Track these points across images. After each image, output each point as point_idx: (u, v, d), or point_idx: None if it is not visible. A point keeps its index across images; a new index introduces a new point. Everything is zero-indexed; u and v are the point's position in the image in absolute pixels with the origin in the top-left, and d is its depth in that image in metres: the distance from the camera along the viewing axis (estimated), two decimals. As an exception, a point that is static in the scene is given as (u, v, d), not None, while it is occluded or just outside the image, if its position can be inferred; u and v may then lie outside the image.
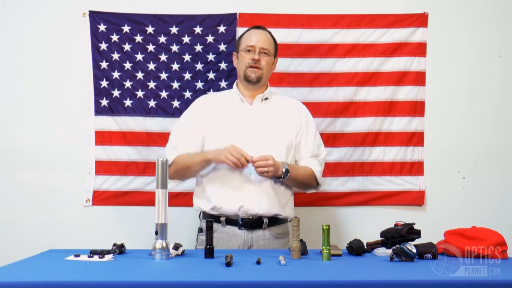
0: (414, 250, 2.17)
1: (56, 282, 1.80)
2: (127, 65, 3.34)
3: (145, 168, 3.33)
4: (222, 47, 3.36)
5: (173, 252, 2.26)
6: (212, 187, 2.74)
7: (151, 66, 3.35)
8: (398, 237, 2.33)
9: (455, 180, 3.40)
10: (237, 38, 3.09)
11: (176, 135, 2.87)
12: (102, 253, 2.24)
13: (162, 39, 3.35)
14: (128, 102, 3.34)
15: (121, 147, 3.33)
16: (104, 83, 3.34)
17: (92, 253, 2.24)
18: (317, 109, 3.26)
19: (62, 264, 2.12)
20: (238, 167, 2.64)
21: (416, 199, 3.38)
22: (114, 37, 3.34)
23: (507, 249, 2.26)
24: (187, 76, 3.35)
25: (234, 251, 2.32)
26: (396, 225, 2.41)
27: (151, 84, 3.35)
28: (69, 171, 3.31)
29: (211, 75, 3.36)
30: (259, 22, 3.06)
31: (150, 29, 3.35)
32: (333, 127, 3.37)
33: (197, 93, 3.30)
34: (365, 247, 2.37)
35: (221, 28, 3.35)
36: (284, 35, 3.32)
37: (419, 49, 3.39)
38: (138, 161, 3.33)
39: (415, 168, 3.39)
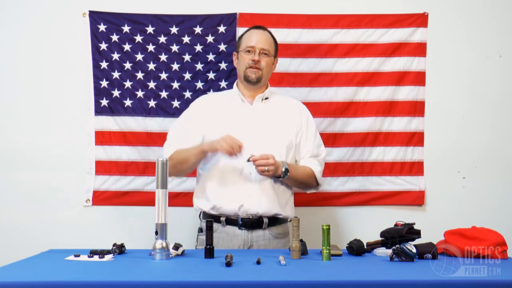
0: (414, 250, 2.17)
1: (56, 282, 1.80)
2: (127, 65, 3.34)
3: (145, 168, 3.32)
4: (222, 47, 3.36)
5: (173, 252, 2.26)
6: (212, 186, 2.74)
7: (151, 66, 3.35)
8: (398, 237, 2.33)
9: (455, 180, 3.40)
10: (237, 38, 3.09)
11: (175, 134, 2.86)
12: (102, 253, 2.23)
13: (162, 39, 3.34)
14: (128, 102, 3.34)
15: (121, 147, 3.33)
16: (104, 83, 3.34)
17: (92, 253, 2.24)
18: (317, 109, 3.26)
19: (62, 264, 2.12)
20: (231, 154, 2.63)
21: (416, 199, 3.38)
22: (114, 37, 3.34)
23: (507, 249, 2.26)
24: (187, 76, 3.35)
25: (234, 251, 2.32)
26: (396, 225, 2.41)
27: (151, 84, 3.35)
28: (69, 171, 3.31)
29: (211, 75, 3.36)
30: (259, 22, 3.06)
31: (150, 29, 3.34)
32: (333, 127, 3.37)
33: (197, 93, 3.30)
34: (365, 247, 2.37)
35: (221, 28, 3.35)
36: (284, 35, 3.31)
37: (419, 49, 3.39)
38: (138, 161, 3.33)
39: (415, 168, 3.39)
